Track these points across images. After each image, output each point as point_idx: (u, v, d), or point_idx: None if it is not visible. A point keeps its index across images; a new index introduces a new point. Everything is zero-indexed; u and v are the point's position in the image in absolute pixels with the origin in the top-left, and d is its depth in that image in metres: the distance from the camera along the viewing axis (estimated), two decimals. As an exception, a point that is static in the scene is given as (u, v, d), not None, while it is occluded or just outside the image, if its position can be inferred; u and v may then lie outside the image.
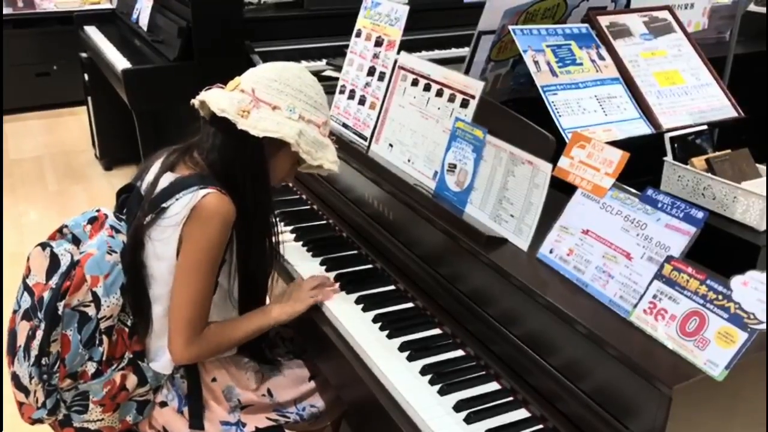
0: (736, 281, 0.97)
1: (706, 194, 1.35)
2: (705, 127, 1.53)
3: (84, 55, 4.15)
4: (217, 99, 1.35)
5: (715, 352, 0.96)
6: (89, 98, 4.29)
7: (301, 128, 1.33)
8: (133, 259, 1.37)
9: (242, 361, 1.50)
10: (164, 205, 1.33)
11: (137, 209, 1.39)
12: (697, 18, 2.15)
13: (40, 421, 1.40)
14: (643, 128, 1.58)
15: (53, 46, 5.13)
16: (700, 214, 1.04)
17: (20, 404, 1.40)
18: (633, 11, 1.79)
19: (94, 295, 1.33)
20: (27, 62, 5.15)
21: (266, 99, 1.34)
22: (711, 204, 1.34)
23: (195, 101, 1.41)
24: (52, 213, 3.82)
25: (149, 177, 1.40)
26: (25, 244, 3.43)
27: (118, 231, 1.41)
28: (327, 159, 1.39)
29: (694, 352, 0.98)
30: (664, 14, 1.81)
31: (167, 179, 1.37)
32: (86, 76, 4.20)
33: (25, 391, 1.37)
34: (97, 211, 1.46)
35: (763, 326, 0.93)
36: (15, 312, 1.39)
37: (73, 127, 5.11)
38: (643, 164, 1.46)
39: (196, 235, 1.32)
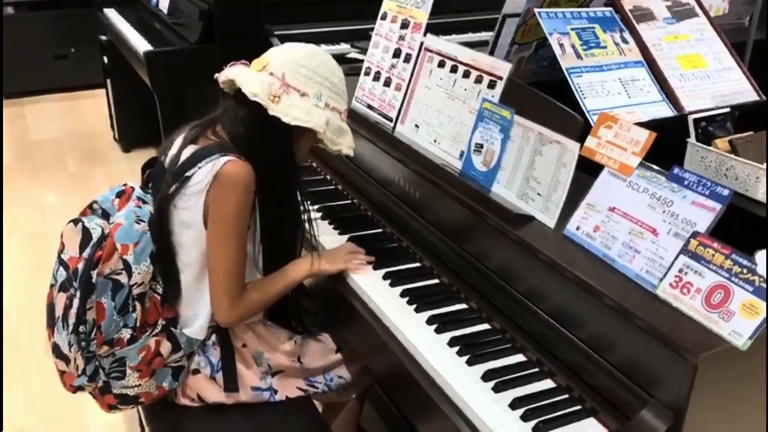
0: (760, 255, 1.00)
1: (729, 175, 1.38)
2: (728, 109, 1.56)
3: (103, 37, 4.19)
4: (247, 81, 1.39)
5: (739, 324, 1.00)
6: (108, 81, 4.33)
7: (328, 117, 1.41)
8: (160, 228, 1.43)
9: (273, 326, 1.56)
10: (187, 174, 1.39)
11: (161, 181, 1.45)
12: (718, 2, 2.17)
13: (81, 388, 1.46)
14: (665, 111, 1.60)
15: (71, 29, 5.18)
16: (725, 192, 1.08)
17: (62, 373, 1.45)
18: (656, -5, 1.81)
19: (125, 262, 1.39)
20: (45, 45, 5.20)
21: (295, 85, 1.40)
22: (734, 184, 1.37)
23: (220, 77, 1.46)
24: (73, 194, 3.88)
25: (173, 151, 1.46)
26: (47, 225, 3.52)
27: (144, 202, 1.47)
28: (345, 144, 1.48)
29: (719, 324, 1.02)
30: (687, -2, 1.83)
31: (189, 151, 1.43)
32: (105, 59, 4.25)
33: (66, 359, 1.42)
34: (124, 185, 1.53)
35: (787, 298, 0.97)
36: (52, 286, 1.45)
37: (91, 109, 5.17)
38: (664, 147, 1.50)
39: (222, 203, 1.38)
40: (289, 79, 1.39)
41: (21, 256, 3.27)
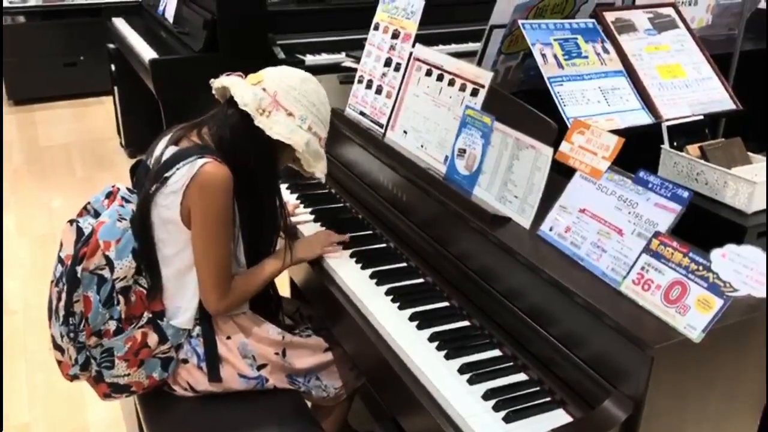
0: (715, 254, 1.07)
1: (699, 179, 1.44)
2: (701, 117, 1.62)
3: (111, 46, 4.30)
4: (241, 91, 1.48)
5: (694, 317, 1.06)
6: (116, 88, 4.43)
7: (308, 139, 1.50)
8: (142, 224, 1.51)
9: (260, 318, 1.65)
10: (167, 174, 1.47)
11: (144, 181, 1.53)
12: (701, 14, 2.23)
13: (76, 377, 1.55)
14: (644, 118, 1.66)
15: (80, 37, 5.30)
16: (685, 194, 1.14)
17: (59, 363, 1.55)
18: (638, 8, 1.87)
19: (107, 258, 1.47)
20: (55, 53, 5.32)
21: (284, 104, 1.49)
22: (703, 189, 1.43)
23: (215, 83, 1.55)
24: (80, 198, 3.87)
25: (157, 152, 1.54)
26: (54, 227, 3.61)
27: (128, 201, 1.56)
28: (319, 169, 1.57)
29: (675, 318, 1.08)
30: (668, 11, 1.89)
31: (170, 152, 1.50)
32: (113, 67, 4.35)
33: (60, 349, 1.53)
34: (113, 186, 1.61)
35: (737, 294, 1.03)
36: (51, 282, 1.54)
37: (99, 116, 5.27)
38: (645, 153, 1.56)
39: (202, 205, 1.46)
40: (279, 98, 1.48)
41: (29, 256, 3.35)
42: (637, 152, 1.38)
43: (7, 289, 3.10)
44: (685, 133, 1.62)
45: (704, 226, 1.39)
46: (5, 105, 5.45)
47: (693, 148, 1.49)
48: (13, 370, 2.58)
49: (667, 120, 1.63)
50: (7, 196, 3.98)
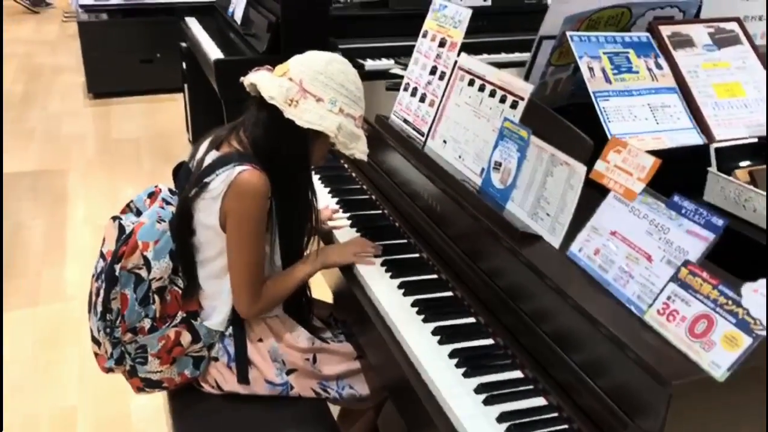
0: (746, 288, 1.00)
1: (747, 206, 1.36)
2: (755, 139, 1.53)
3: (183, 44, 4.43)
4: (267, 85, 1.47)
5: (719, 354, 0.99)
6: (186, 85, 4.56)
7: (340, 122, 1.47)
8: (181, 227, 1.54)
9: (292, 322, 1.64)
10: (206, 180, 1.48)
11: (186, 184, 1.55)
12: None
13: (111, 370, 1.59)
14: (695, 138, 1.58)
15: (157, 36, 5.48)
16: (720, 222, 1.07)
17: (96, 355, 1.61)
18: (699, 22, 1.78)
19: (145, 259, 1.50)
20: (132, 49, 5.52)
21: (312, 90, 1.46)
22: (751, 216, 1.35)
23: (245, 81, 1.55)
24: (145, 191, 4.10)
25: (198, 155, 1.56)
26: (118, 218, 3.74)
27: (168, 203, 1.59)
28: (358, 149, 1.53)
29: (699, 353, 1.02)
30: (732, 26, 1.79)
31: (211, 157, 1.52)
32: (184, 65, 4.48)
33: (97, 343, 1.57)
34: (156, 186, 1.65)
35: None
36: (92, 276, 1.59)
37: (170, 112, 5.44)
38: (696, 176, 1.48)
39: (238, 211, 1.47)
40: (306, 85, 1.46)
41: (90, 245, 3.49)
42: (688, 174, 1.32)
43: (67, 275, 3.24)
44: (739, 156, 1.53)
45: (749, 255, 1.31)
46: (85, 98, 5.70)
47: (742, 173, 1.40)
48: (66, 355, 2.69)
49: (720, 141, 1.55)
50: (77, 186, 4.16)
